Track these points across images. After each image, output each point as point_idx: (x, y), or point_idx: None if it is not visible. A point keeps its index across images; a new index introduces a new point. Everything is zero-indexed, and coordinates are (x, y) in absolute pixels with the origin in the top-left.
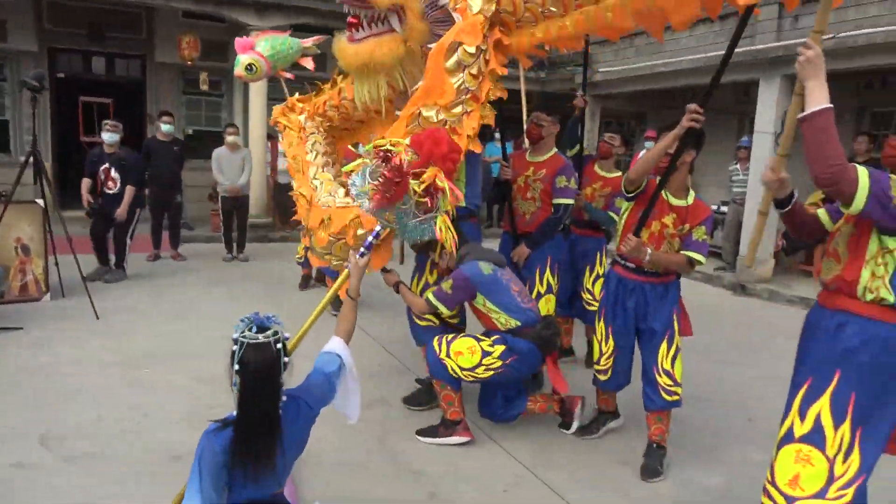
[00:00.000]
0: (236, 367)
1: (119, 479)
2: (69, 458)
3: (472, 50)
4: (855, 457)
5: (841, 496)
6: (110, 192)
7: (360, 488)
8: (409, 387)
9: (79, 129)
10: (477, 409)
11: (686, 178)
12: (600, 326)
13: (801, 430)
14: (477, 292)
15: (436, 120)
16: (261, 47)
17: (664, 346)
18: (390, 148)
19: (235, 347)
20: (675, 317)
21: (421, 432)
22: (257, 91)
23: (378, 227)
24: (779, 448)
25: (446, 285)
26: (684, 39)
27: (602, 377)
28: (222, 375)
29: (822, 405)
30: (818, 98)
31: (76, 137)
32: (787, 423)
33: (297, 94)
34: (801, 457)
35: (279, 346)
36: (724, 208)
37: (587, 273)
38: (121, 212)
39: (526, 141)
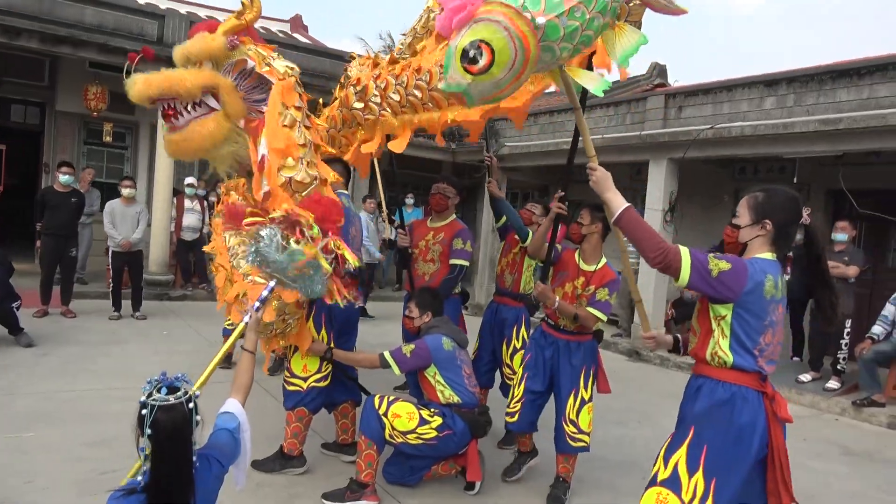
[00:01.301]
0: (148, 431)
1: None
2: None
3: (299, 105)
4: None
5: None
6: None
7: None
8: (314, 450)
9: None
10: (382, 474)
11: (597, 247)
12: (518, 371)
13: (662, 475)
14: (432, 363)
15: (308, 179)
16: None
17: (571, 399)
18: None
19: (145, 411)
20: (581, 375)
21: (327, 496)
22: None
23: (272, 283)
24: (645, 490)
25: (407, 349)
26: None
27: (510, 419)
28: (113, 439)
29: (680, 455)
30: (617, 203)
31: None
32: (654, 468)
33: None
34: (660, 499)
35: (191, 405)
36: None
37: (504, 347)
38: None
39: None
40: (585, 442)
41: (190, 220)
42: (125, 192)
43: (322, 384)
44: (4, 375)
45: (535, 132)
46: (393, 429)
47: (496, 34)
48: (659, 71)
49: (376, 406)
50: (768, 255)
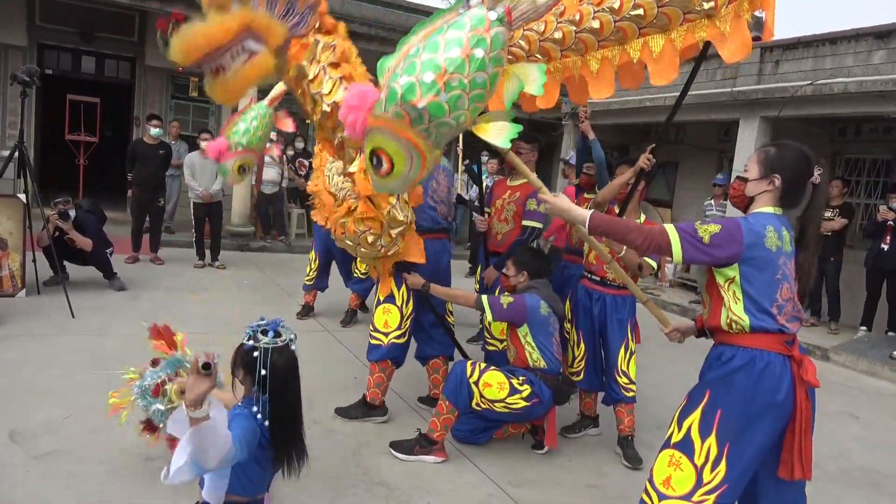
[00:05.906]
0: (263, 371)
1: (90, 477)
2: (39, 455)
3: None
4: (721, 468)
5: (704, 500)
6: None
7: (330, 499)
8: (388, 403)
9: (64, 126)
10: (451, 431)
11: (637, 204)
12: (573, 333)
13: (676, 437)
14: (525, 323)
15: None
16: (235, 139)
17: (622, 351)
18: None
19: (256, 353)
20: (629, 327)
21: (395, 446)
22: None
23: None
24: (659, 451)
25: (505, 300)
26: None
27: (576, 378)
28: None
29: (694, 419)
30: (581, 214)
31: (59, 134)
32: (669, 430)
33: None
34: (673, 461)
35: (293, 347)
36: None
37: (568, 302)
38: (82, 240)
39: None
40: (634, 391)
41: (270, 174)
42: (203, 144)
43: (401, 341)
44: (99, 316)
45: (616, 88)
46: (482, 397)
47: (386, 140)
48: (754, 22)
49: (468, 374)
50: (769, 209)
